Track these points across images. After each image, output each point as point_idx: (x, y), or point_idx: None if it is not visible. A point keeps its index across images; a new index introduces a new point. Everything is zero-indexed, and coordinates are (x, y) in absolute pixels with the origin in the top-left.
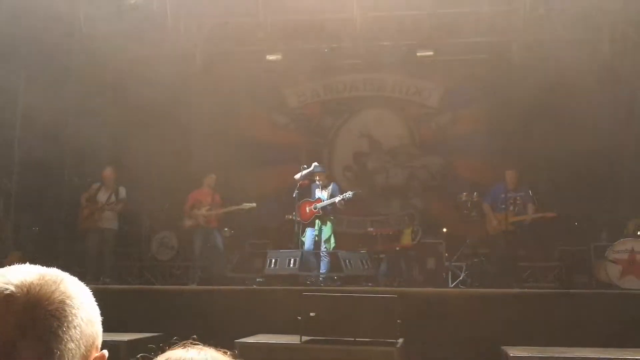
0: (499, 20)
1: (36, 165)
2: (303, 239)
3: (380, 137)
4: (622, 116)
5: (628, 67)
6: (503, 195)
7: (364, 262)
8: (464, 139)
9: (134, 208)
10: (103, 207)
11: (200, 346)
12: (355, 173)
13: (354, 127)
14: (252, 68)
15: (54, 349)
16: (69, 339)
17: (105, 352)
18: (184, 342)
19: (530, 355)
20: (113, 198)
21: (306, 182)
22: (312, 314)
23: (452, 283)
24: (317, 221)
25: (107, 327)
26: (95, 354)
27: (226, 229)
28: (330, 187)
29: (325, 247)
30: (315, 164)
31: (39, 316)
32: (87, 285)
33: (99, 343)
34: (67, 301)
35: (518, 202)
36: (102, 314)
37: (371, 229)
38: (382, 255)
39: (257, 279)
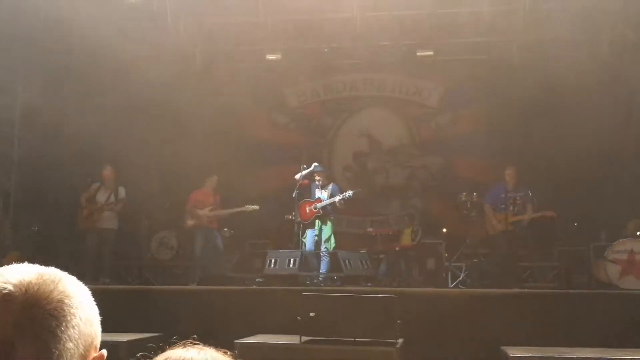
0: (499, 21)
1: (35, 164)
2: (304, 240)
3: (380, 137)
4: (621, 116)
5: (628, 67)
6: (503, 195)
7: (363, 262)
8: (463, 139)
9: (133, 208)
10: (102, 207)
11: (200, 346)
12: (355, 173)
13: (353, 127)
14: (252, 68)
15: (52, 348)
16: (67, 338)
17: (104, 352)
18: (184, 341)
19: (530, 355)
20: (113, 198)
21: (306, 182)
22: (311, 314)
23: (451, 283)
24: (317, 221)
25: (107, 327)
26: (94, 354)
27: (226, 229)
28: (330, 187)
29: (326, 247)
30: (315, 164)
31: (37, 315)
32: (86, 285)
33: (97, 343)
34: (66, 300)
35: (518, 202)
36: (101, 314)
37: (371, 229)
38: (381, 256)
39: (257, 279)
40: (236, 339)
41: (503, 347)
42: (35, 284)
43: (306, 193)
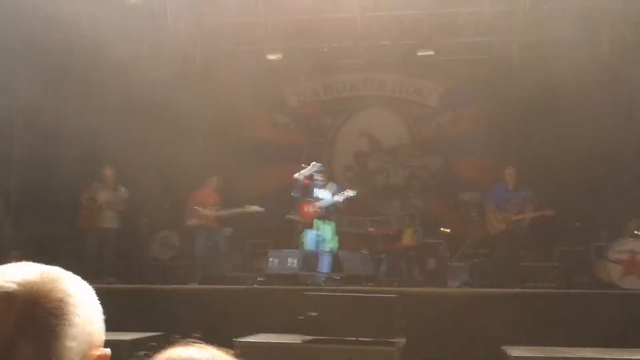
0: (499, 20)
1: (36, 164)
2: (304, 239)
3: (381, 137)
4: (622, 116)
5: (628, 67)
6: (504, 195)
7: (364, 262)
8: (464, 139)
9: (134, 208)
10: (103, 207)
11: (200, 344)
12: (356, 173)
13: (354, 126)
14: (252, 68)
15: (53, 347)
16: (68, 337)
17: (109, 351)
18: (185, 340)
19: (530, 355)
20: (114, 198)
21: (306, 181)
22: (312, 314)
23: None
24: (318, 221)
25: (109, 326)
26: (97, 353)
27: (226, 228)
28: (330, 187)
29: (329, 247)
30: (315, 162)
31: (39, 314)
32: (89, 284)
33: (100, 341)
34: (67, 299)
35: (519, 201)
36: (103, 313)
37: (372, 229)
38: (382, 255)
39: (258, 279)
40: (237, 339)
41: (504, 347)
42: (37, 282)
43: (306, 193)
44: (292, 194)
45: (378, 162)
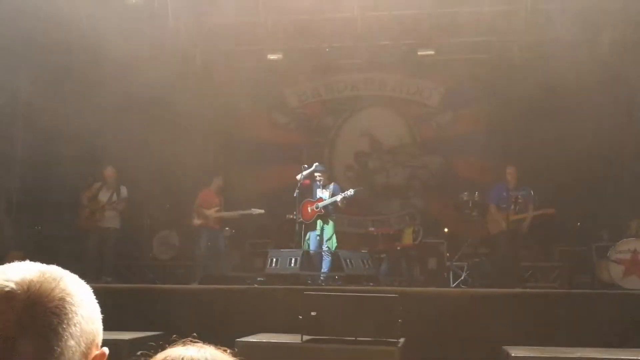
0: (499, 20)
1: (36, 164)
2: (308, 241)
3: (381, 137)
4: (622, 116)
5: (628, 67)
6: (504, 194)
7: (365, 261)
8: (464, 138)
9: (134, 207)
10: (105, 207)
11: (199, 344)
12: (356, 172)
13: (354, 126)
14: (253, 68)
15: (54, 346)
16: (69, 336)
17: (106, 350)
18: (184, 340)
19: (531, 355)
20: (115, 197)
21: (307, 181)
22: (313, 314)
23: (453, 283)
24: (318, 221)
25: (109, 325)
26: (96, 352)
27: (227, 228)
28: (331, 187)
29: (327, 247)
30: (316, 163)
31: (39, 313)
32: (88, 284)
33: (99, 340)
34: (67, 298)
35: (519, 200)
36: (103, 313)
37: (372, 229)
38: (383, 255)
39: (258, 279)
40: (237, 338)
41: (504, 347)
42: (37, 281)
43: (307, 193)
44: (295, 194)
45: (378, 161)
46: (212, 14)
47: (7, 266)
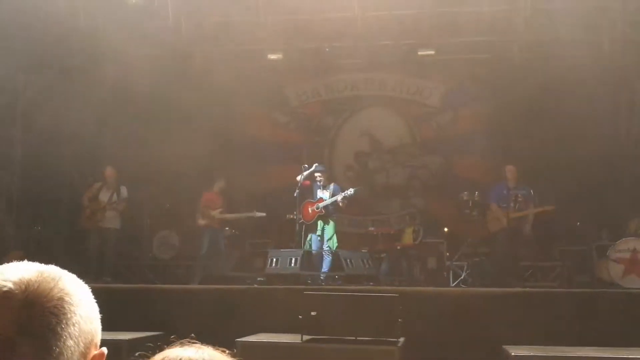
0: (499, 20)
1: (37, 164)
2: (309, 242)
3: (381, 137)
4: (622, 116)
5: (628, 67)
6: (505, 192)
7: (365, 261)
8: (464, 138)
9: (134, 207)
10: (105, 207)
11: (198, 345)
12: (356, 172)
13: (354, 126)
14: (253, 68)
15: (52, 345)
16: (67, 336)
17: (105, 350)
18: (182, 340)
19: (531, 354)
20: (115, 197)
21: (307, 182)
22: (313, 313)
23: (453, 282)
24: (319, 221)
25: (109, 325)
26: (95, 352)
27: (227, 228)
28: (331, 187)
29: (328, 247)
30: (316, 164)
31: (38, 313)
32: (88, 284)
33: (98, 340)
34: (66, 298)
35: (519, 199)
36: (103, 313)
37: (372, 229)
38: (383, 255)
39: (258, 278)
40: (237, 338)
41: (505, 346)
42: (35, 281)
43: (308, 193)
44: (295, 194)
45: (378, 161)
46: (212, 14)
47: (5, 266)
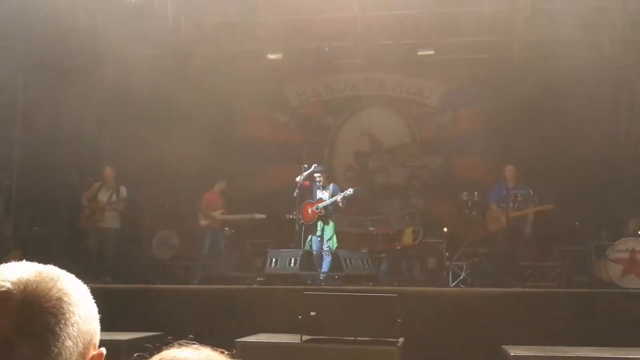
0: (499, 20)
1: (36, 164)
2: (310, 242)
3: (381, 137)
4: (622, 115)
5: (628, 67)
6: (504, 192)
7: (364, 261)
8: (464, 138)
9: (134, 207)
10: (105, 207)
11: (196, 345)
12: (356, 172)
13: (354, 126)
14: (253, 67)
15: (51, 346)
16: (66, 336)
17: (104, 350)
18: (180, 341)
19: (531, 354)
20: (114, 197)
21: (307, 183)
22: (312, 314)
23: (452, 282)
24: (319, 222)
25: (108, 326)
26: (93, 352)
27: (226, 228)
28: (330, 187)
29: (328, 247)
30: (315, 164)
31: (36, 313)
32: (87, 285)
33: (96, 341)
34: (65, 298)
35: (519, 199)
36: (102, 313)
37: (372, 229)
38: (382, 255)
39: (258, 278)
40: (237, 338)
41: (504, 346)
42: (34, 281)
43: (307, 194)
44: (294, 194)
45: (378, 161)
46: (212, 14)
47: (3, 266)
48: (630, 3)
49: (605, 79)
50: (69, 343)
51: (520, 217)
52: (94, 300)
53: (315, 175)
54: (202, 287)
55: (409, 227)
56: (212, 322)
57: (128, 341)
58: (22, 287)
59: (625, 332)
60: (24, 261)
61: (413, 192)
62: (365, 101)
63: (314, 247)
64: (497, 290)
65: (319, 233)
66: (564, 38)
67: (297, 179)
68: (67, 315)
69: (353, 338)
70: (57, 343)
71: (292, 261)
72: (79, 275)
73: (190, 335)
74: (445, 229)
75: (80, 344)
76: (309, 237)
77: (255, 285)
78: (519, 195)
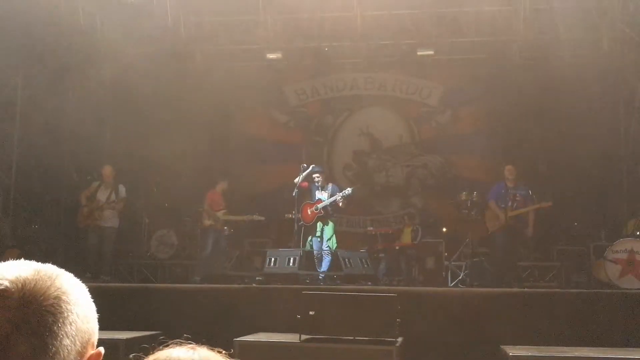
0: (499, 20)
1: (35, 162)
2: (310, 243)
3: (381, 136)
4: (621, 115)
5: (628, 67)
6: (503, 191)
7: (363, 261)
8: (463, 138)
9: (133, 206)
10: (103, 206)
11: (192, 345)
12: (356, 172)
13: (354, 125)
14: (253, 67)
15: (49, 344)
16: (64, 334)
17: (102, 349)
18: (176, 340)
19: (529, 354)
20: (113, 196)
21: (305, 183)
22: (311, 313)
23: (451, 282)
24: (318, 223)
25: (106, 325)
26: (92, 351)
27: (226, 227)
28: (329, 187)
29: (328, 246)
30: (313, 165)
31: (34, 312)
32: (85, 283)
33: (94, 340)
34: (63, 297)
35: (518, 198)
36: (100, 312)
37: (371, 228)
38: (381, 255)
39: (257, 278)
40: (236, 338)
41: (503, 346)
42: (32, 280)
43: (306, 194)
44: (293, 194)
45: (378, 161)
46: (212, 14)
47: (1, 264)
48: (630, 3)
49: (604, 78)
50: (67, 342)
51: (519, 215)
52: (92, 299)
53: (314, 175)
54: (200, 287)
55: (408, 227)
56: (210, 321)
57: (126, 340)
58: (20, 285)
59: (623, 332)
60: (22, 260)
61: (412, 192)
62: (365, 101)
63: (315, 248)
64: (495, 290)
65: (318, 234)
66: (563, 38)
67: (296, 180)
68: (65, 314)
69: (352, 338)
70: (55, 342)
71: (291, 260)
72: (77, 274)
73: (185, 335)
74: (444, 229)
75: (78, 343)
76: (309, 238)
77: (254, 285)
78: (517, 195)
